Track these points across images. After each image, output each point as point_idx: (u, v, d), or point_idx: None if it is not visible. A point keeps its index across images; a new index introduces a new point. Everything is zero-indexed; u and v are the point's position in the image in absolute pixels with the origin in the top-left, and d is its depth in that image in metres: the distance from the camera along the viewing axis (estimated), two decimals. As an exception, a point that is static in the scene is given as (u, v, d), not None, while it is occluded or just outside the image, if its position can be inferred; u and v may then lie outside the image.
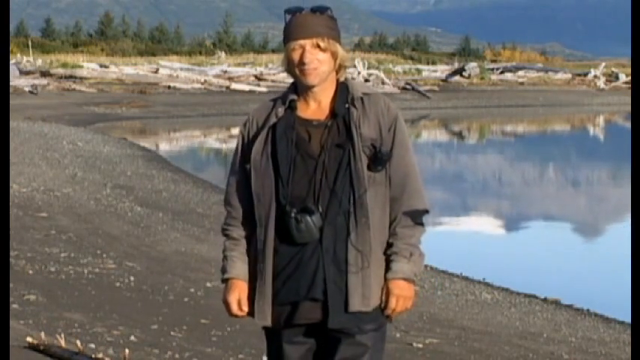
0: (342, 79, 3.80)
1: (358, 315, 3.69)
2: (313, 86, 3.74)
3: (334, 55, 3.74)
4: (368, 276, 3.69)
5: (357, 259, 3.68)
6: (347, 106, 3.73)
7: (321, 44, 3.71)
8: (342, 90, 3.77)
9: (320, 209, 3.67)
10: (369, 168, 3.69)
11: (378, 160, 3.69)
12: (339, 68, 3.78)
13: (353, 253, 3.67)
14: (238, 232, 3.84)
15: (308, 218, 3.65)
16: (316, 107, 3.77)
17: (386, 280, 3.72)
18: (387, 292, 3.72)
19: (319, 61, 3.71)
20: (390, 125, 3.75)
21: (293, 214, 3.66)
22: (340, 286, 3.68)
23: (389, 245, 3.74)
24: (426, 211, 3.79)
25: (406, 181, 3.74)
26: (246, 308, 3.80)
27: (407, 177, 3.74)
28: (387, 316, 3.75)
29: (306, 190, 3.69)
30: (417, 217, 3.76)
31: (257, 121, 3.82)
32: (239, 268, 3.81)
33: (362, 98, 3.76)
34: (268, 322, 3.76)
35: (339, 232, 3.68)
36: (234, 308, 3.79)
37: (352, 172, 3.67)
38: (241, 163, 3.81)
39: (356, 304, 3.68)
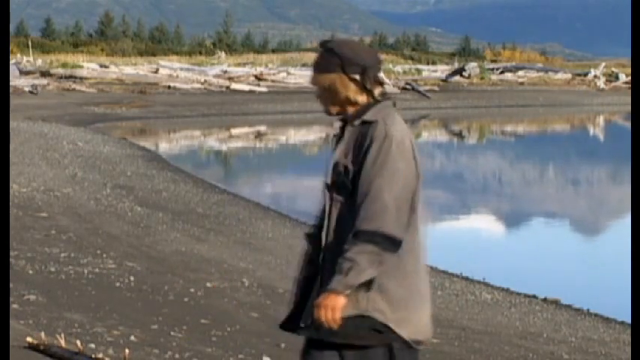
0: (374, 97, 3.80)
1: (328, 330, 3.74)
2: (329, 114, 3.86)
3: (328, 88, 3.79)
4: None
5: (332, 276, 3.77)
6: (343, 130, 3.82)
7: (314, 83, 3.83)
8: (359, 113, 3.80)
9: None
10: (338, 192, 3.77)
11: (340, 183, 3.76)
12: (360, 89, 3.78)
13: (329, 271, 3.77)
14: None
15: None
16: None
17: None
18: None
19: (318, 97, 3.85)
20: (368, 146, 3.71)
21: None
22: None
23: None
24: (381, 234, 3.66)
25: (364, 202, 3.69)
26: None
27: (366, 197, 3.69)
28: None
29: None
30: (366, 237, 3.68)
31: None
32: None
33: (361, 124, 3.77)
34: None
35: (335, 252, 3.77)
36: None
37: (333, 196, 3.80)
38: None
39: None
